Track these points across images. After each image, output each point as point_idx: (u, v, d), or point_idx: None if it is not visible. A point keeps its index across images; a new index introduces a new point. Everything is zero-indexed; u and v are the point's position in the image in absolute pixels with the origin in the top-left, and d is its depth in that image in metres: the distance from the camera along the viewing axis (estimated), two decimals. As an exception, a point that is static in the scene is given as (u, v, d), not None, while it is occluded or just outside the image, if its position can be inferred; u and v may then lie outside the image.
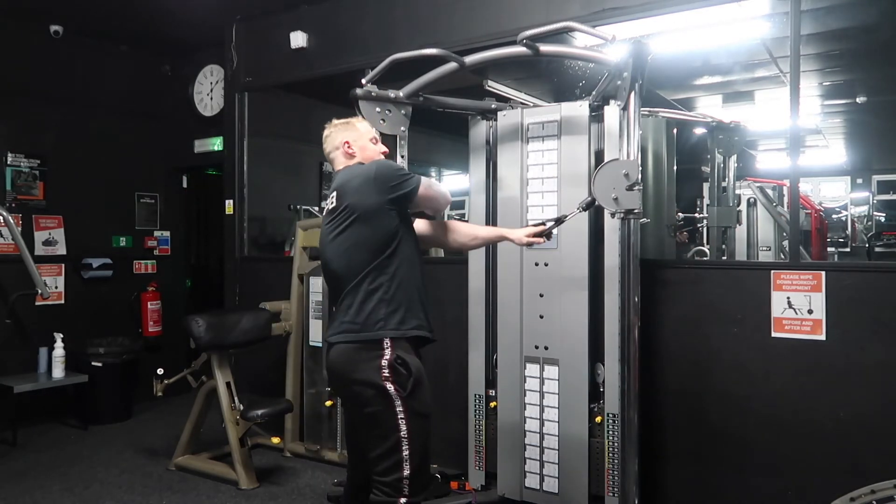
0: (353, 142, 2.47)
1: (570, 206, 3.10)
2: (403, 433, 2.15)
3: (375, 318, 2.22)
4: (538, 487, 3.22)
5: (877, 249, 7.80)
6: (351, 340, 2.23)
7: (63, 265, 5.25)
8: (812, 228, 5.62)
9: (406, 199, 2.30)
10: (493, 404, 3.40)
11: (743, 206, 4.75)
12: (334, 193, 2.36)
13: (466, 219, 4.57)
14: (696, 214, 5.24)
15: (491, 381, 3.43)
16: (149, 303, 5.66)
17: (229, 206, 5.10)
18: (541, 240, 2.62)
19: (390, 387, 2.16)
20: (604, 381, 3.09)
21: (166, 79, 5.99)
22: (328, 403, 4.03)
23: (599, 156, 3.12)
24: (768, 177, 6.29)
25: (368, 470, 2.24)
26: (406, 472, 2.14)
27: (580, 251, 3.11)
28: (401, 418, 2.15)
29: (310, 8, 4.66)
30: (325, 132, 2.53)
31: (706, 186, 5.24)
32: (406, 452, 2.14)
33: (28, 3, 4.74)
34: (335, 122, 2.54)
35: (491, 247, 3.44)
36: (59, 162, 5.26)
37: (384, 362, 2.18)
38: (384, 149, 2.54)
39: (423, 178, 2.38)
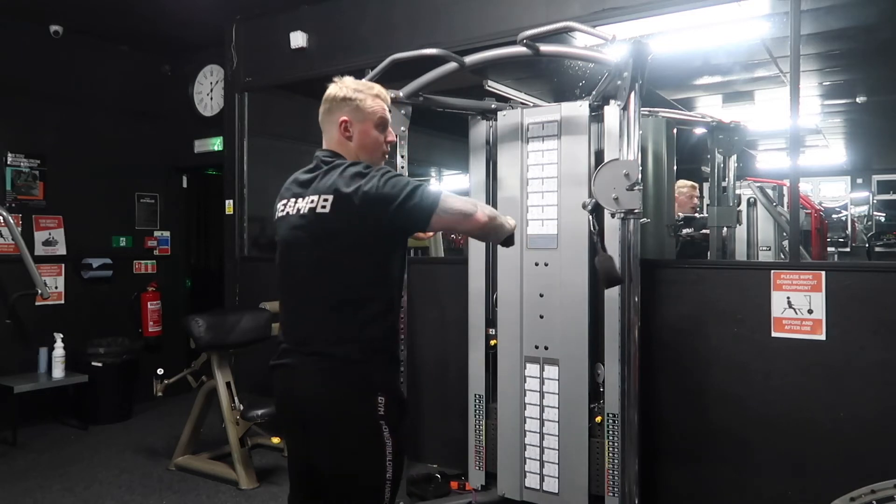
0: (353, 123, 1.96)
1: (570, 206, 3.11)
2: (389, 475, 1.86)
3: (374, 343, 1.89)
4: (538, 487, 3.22)
5: (877, 249, 7.81)
6: (338, 361, 1.88)
7: (63, 265, 5.25)
8: (812, 228, 5.61)
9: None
10: (493, 342, 3.39)
11: (743, 206, 4.75)
12: (323, 198, 1.85)
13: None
14: (696, 214, 5.23)
15: (491, 321, 3.41)
16: (149, 303, 5.66)
17: (229, 206, 5.10)
18: None
19: (384, 428, 1.85)
20: (604, 381, 3.09)
21: (166, 79, 5.99)
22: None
23: (599, 156, 3.12)
24: (768, 177, 6.28)
25: None
26: None
27: (580, 251, 3.11)
28: (389, 461, 1.85)
29: (310, 8, 4.66)
30: (331, 90, 1.99)
31: (706, 186, 5.24)
32: (387, 495, 1.86)
33: (28, 3, 4.74)
34: (345, 85, 1.99)
35: (491, 246, 3.44)
36: (59, 162, 5.26)
37: (380, 399, 1.84)
38: (392, 137, 2.06)
39: (453, 196, 1.90)
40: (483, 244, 3.44)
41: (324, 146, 2.02)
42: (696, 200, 4.70)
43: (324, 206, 1.84)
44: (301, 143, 5.83)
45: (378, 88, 2.03)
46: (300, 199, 1.92)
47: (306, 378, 1.88)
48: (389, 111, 2.06)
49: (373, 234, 1.83)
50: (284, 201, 1.98)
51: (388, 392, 1.87)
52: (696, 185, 4.78)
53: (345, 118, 1.95)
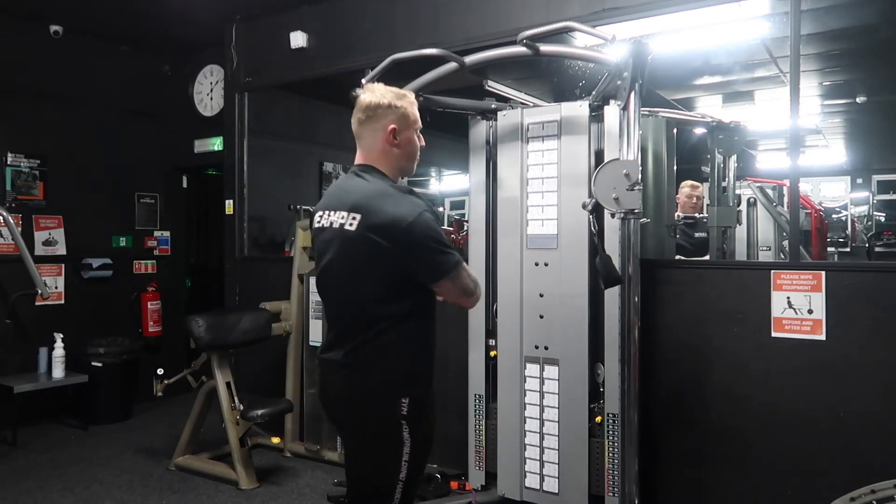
0: (401, 130, 2.00)
1: (570, 206, 3.11)
2: (402, 476, 1.92)
3: (400, 358, 1.97)
4: (538, 487, 3.22)
5: (877, 249, 7.80)
6: (368, 366, 1.96)
7: (63, 265, 5.25)
8: (812, 228, 5.61)
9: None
10: (493, 353, 3.39)
11: (743, 206, 4.75)
12: (351, 216, 1.90)
13: (466, 219, 4.57)
14: (696, 214, 5.23)
15: (491, 332, 3.41)
16: (149, 303, 5.66)
17: (229, 206, 5.10)
18: None
19: (404, 430, 1.91)
20: (604, 381, 3.09)
21: (166, 79, 5.99)
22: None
23: (599, 156, 3.12)
24: (768, 177, 6.28)
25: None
26: None
27: (580, 251, 3.11)
28: (405, 462, 1.91)
29: (310, 8, 4.66)
30: (371, 98, 1.99)
31: (706, 186, 5.24)
32: (398, 496, 1.93)
33: (28, 3, 4.74)
34: (384, 92, 2.01)
35: (491, 247, 3.45)
36: (59, 162, 5.26)
37: (404, 401, 1.91)
38: (423, 142, 2.12)
39: (466, 270, 1.96)
40: (483, 245, 3.44)
41: (361, 156, 2.04)
42: (695, 200, 4.67)
43: (351, 225, 1.90)
44: (301, 143, 5.86)
45: (412, 95, 2.08)
46: (334, 213, 1.98)
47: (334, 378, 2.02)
48: None
49: (391, 262, 1.89)
50: (321, 212, 2.05)
51: (412, 394, 1.92)
52: (698, 184, 4.75)
53: (394, 126, 1.98)
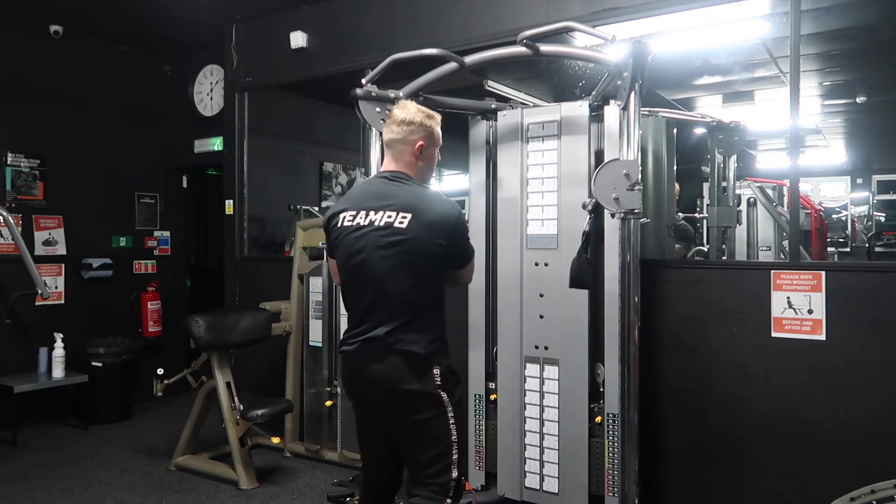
0: (427, 147, 2.31)
1: (570, 206, 3.11)
2: (454, 438, 2.21)
3: (434, 334, 2.24)
4: (538, 487, 3.22)
5: (877, 249, 7.80)
6: (405, 350, 2.19)
7: (63, 265, 5.25)
8: (812, 228, 5.62)
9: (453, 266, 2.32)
10: (493, 397, 3.40)
11: (743, 206, 4.75)
12: (401, 215, 2.17)
13: (466, 219, 4.56)
14: (696, 214, 5.24)
15: (491, 374, 3.42)
16: (149, 303, 5.66)
17: (229, 206, 5.10)
18: None
19: (444, 395, 2.20)
20: (604, 381, 3.09)
21: (166, 79, 5.99)
22: (328, 403, 4.03)
23: (599, 156, 3.12)
24: (768, 177, 6.29)
25: (416, 473, 2.25)
26: (454, 475, 2.20)
27: (580, 251, 3.10)
28: (452, 424, 2.21)
29: (310, 8, 4.66)
30: (404, 115, 2.28)
31: (706, 186, 5.24)
32: (455, 456, 2.21)
33: (28, 3, 4.74)
34: (416, 112, 2.30)
35: (491, 247, 3.45)
36: (59, 162, 5.25)
37: (437, 371, 2.19)
38: (440, 157, 2.44)
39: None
40: (483, 245, 3.44)
41: (390, 164, 2.32)
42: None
43: (402, 223, 2.17)
44: (301, 143, 5.86)
45: (439, 116, 2.38)
46: (374, 213, 2.21)
47: (376, 361, 2.24)
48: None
49: (438, 253, 2.20)
50: (353, 212, 2.25)
51: (442, 364, 2.22)
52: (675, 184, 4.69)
53: (422, 142, 2.28)
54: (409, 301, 2.18)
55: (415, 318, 2.18)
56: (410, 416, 2.20)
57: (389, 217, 2.18)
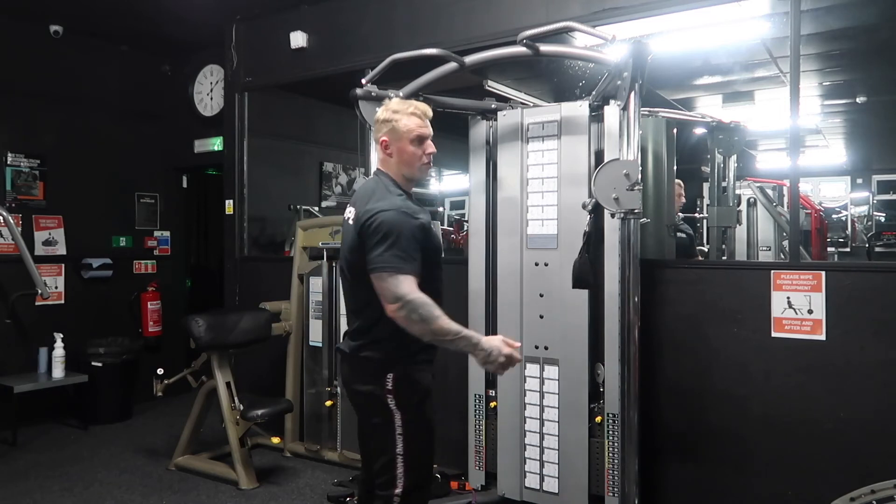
0: (392, 142, 2.23)
1: (570, 206, 3.11)
2: (398, 451, 2.09)
3: (394, 340, 2.11)
4: (538, 487, 3.22)
5: (877, 249, 7.80)
6: (359, 351, 2.17)
7: (63, 265, 5.25)
8: (812, 228, 5.62)
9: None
10: (493, 404, 3.40)
11: (743, 206, 4.75)
12: (350, 210, 2.23)
13: (466, 219, 4.57)
14: (696, 214, 5.23)
15: (491, 381, 3.42)
16: (149, 303, 5.66)
17: (229, 206, 5.10)
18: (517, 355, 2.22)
19: (391, 402, 2.10)
20: (604, 381, 3.09)
21: (166, 79, 5.99)
22: (328, 403, 4.03)
23: (599, 156, 3.12)
24: (768, 177, 6.29)
25: (373, 481, 2.20)
26: (398, 490, 2.08)
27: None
28: (399, 435, 2.09)
29: (310, 8, 4.66)
30: (377, 114, 2.29)
31: (706, 186, 5.24)
32: (400, 471, 2.08)
33: (28, 3, 4.74)
34: (387, 107, 2.26)
35: (491, 247, 3.45)
36: (59, 162, 5.25)
37: (390, 376, 2.10)
38: (432, 149, 2.25)
39: (404, 282, 1.99)
40: (483, 245, 3.45)
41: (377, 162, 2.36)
42: (683, 199, 4.58)
43: (349, 219, 2.23)
44: (301, 143, 5.86)
45: (415, 106, 2.26)
46: (349, 209, 2.27)
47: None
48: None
49: (361, 253, 2.12)
50: (348, 210, 2.30)
51: (396, 370, 2.12)
52: (681, 182, 4.67)
53: (385, 138, 2.25)
54: (359, 302, 2.19)
55: (370, 319, 2.12)
56: (363, 417, 2.23)
57: (349, 213, 2.26)
